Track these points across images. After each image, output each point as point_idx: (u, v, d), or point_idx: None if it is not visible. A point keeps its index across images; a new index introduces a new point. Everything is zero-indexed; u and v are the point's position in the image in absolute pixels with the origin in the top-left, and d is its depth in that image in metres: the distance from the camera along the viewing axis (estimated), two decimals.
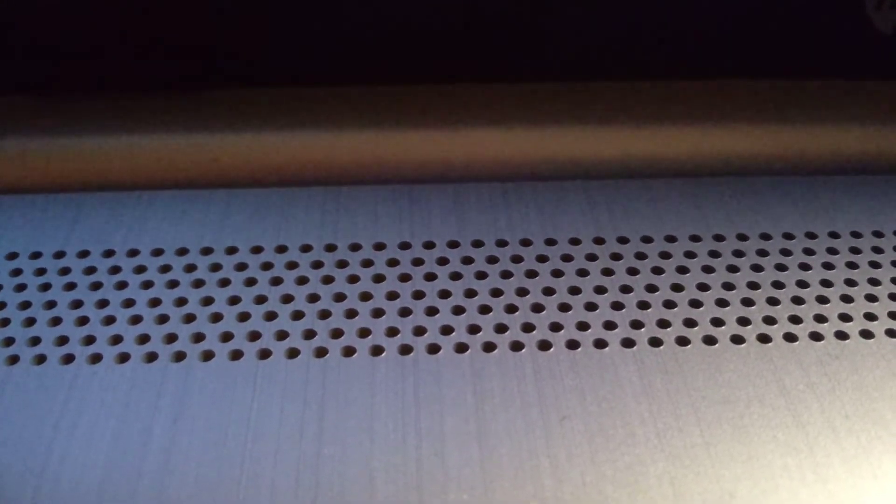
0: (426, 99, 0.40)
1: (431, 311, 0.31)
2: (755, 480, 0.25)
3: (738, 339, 0.30)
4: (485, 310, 0.31)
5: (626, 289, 0.32)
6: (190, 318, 0.31)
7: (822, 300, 0.32)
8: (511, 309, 0.31)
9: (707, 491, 0.25)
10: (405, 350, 0.30)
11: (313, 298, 0.32)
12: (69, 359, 0.29)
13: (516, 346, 0.30)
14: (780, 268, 0.33)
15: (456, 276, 0.32)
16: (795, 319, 0.31)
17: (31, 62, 0.39)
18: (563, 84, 0.41)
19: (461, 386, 0.28)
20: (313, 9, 0.37)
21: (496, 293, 0.32)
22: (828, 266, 0.33)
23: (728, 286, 0.32)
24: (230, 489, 0.25)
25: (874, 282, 0.33)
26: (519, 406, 0.27)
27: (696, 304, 0.31)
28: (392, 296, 0.32)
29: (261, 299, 0.31)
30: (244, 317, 0.31)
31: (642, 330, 0.30)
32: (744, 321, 0.31)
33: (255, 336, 0.30)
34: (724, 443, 0.26)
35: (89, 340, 0.30)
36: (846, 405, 0.28)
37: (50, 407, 0.28)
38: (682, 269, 0.33)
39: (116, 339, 0.30)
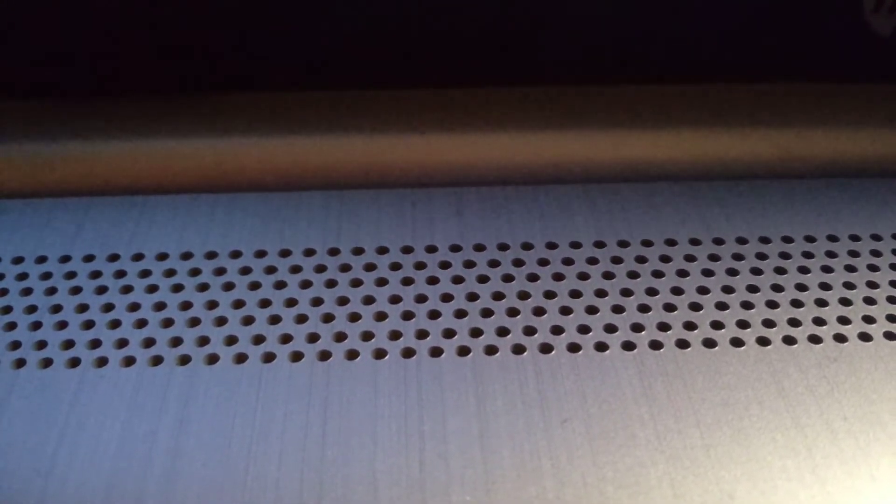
0: (429, 104, 0.40)
1: (434, 315, 0.31)
2: (754, 482, 0.26)
3: (737, 342, 0.30)
4: (487, 313, 0.31)
5: (626, 292, 0.32)
6: (195, 322, 0.31)
7: (821, 303, 0.32)
8: (513, 312, 0.31)
9: (707, 492, 0.25)
10: (408, 353, 0.30)
11: (317, 302, 0.32)
12: (75, 362, 0.29)
13: (518, 349, 0.30)
14: (780, 271, 0.33)
15: (458, 280, 0.33)
16: (794, 322, 0.31)
17: (36, 67, 0.39)
18: (564, 88, 0.41)
19: (463, 388, 0.28)
20: (317, 14, 0.38)
21: (498, 297, 0.32)
22: (826, 269, 0.34)
23: (727, 289, 0.32)
24: (235, 491, 0.25)
25: (872, 285, 0.33)
26: (521, 408, 0.28)
27: (695, 307, 0.32)
28: (395, 299, 0.32)
29: (265, 303, 0.32)
30: (248, 320, 0.31)
31: (643, 333, 0.31)
32: (743, 324, 0.31)
33: (259, 339, 0.30)
34: (723, 445, 0.27)
35: (95, 344, 0.30)
36: (845, 407, 0.28)
37: (56, 410, 0.28)
38: (682, 273, 0.33)
39: (122, 343, 0.30)
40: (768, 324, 0.31)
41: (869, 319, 0.31)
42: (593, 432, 0.27)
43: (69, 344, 0.30)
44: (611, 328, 0.31)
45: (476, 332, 0.31)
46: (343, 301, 0.32)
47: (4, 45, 0.38)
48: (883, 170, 0.40)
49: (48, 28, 0.38)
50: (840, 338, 0.31)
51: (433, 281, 0.33)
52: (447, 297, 0.32)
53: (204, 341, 0.30)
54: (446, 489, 0.25)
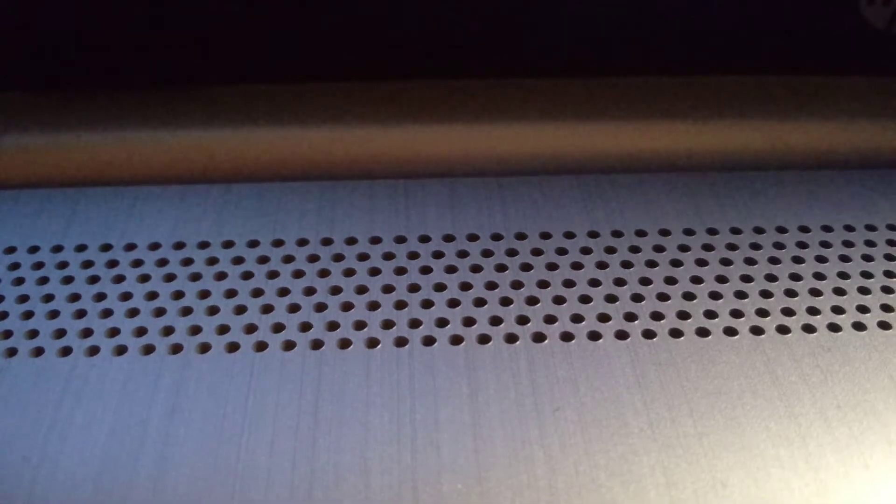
0: (422, 95, 0.40)
1: (427, 304, 0.31)
2: (747, 470, 0.26)
3: (731, 332, 0.30)
4: (480, 302, 0.31)
5: (619, 282, 0.32)
6: (187, 311, 0.31)
7: (815, 293, 0.32)
8: (506, 301, 0.31)
9: (699, 480, 0.25)
10: (400, 342, 0.30)
11: (309, 291, 0.32)
12: (67, 351, 0.29)
13: (511, 339, 0.30)
14: (774, 261, 0.33)
15: (451, 270, 0.33)
16: (788, 312, 0.31)
17: (29, 59, 0.39)
18: (558, 80, 0.41)
19: (456, 377, 0.28)
20: (310, 6, 0.37)
21: (491, 286, 0.32)
22: (821, 259, 0.34)
23: (721, 279, 0.32)
24: (227, 479, 0.25)
25: (866, 274, 0.33)
26: (513, 397, 0.28)
27: (689, 296, 0.32)
28: (388, 289, 0.32)
29: (257, 292, 0.32)
30: (241, 310, 0.31)
31: (636, 322, 0.31)
32: (737, 313, 0.31)
33: (251, 329, 0.30)
34: (716, 433, 0.27)
35: (87, 333, 0.30)
36: (838, 396, 0.28)
37: (47, 398, 0.28)
38: (676, 263, 0.33)
39: (114, 332, 0.30)
40: (762, 313, 0.31)
41: (863, 309, 0.31)
42: (586, 420, 0.27)
43: (61, 333, 0.30)
44: (604, 317, 0.31)
45: (469, 321, 0.30)
46: (336, 290, 0.32)
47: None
48: (877, 161, 0.40)
49: (41, 20, 0.38)
50: (834, 327, 0.31)
51: (426, 270, 0.33)
52: (440, 287, 0.32)
53: (196, 330, 0.30)
54: (438, 477, 0.25)
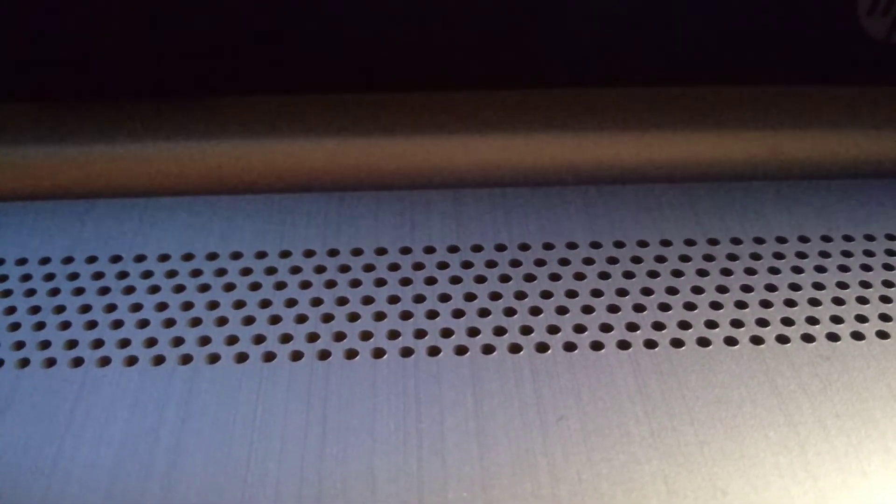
0: (427, 107, 0.41)
1: (432, 315, 0.32)
2: (747, 478, 0.26)
3: (731, 341, 0.31)
4: (484, 313, 0.32)
5: (622, 292, 0.33)
6: (196, 322, 0.31)
7: (815, 302, 0.32)
8: (509, 312, 0.32)
9: (700, 488, 0.26)
10: (406, 352, 0.30)
11: (316, 302, 0.32)
12: (78, 362, 0.30)
13: (515, 349, 0.30)
14: (773, 271, 0.34)
15: (456, 280, 0.33)
16: (788, 321, 0.32)
17: (38, 70, 0.39)
18: (560, 91, 0.41)
19: (461, 387, 0.29)
20: (315, 18, 0.38)
21: (495, 297, 0.32)
22: (820, 269, 0.34)
23: (722, 289, 0.33)
24: (236, 488, 0.26)
25: (865, 284, 0.33)
26: (517, 406, 0.28)
27: (690, 306, 0.32)
28: (393, 299, 0.32)
29: (265, 303, 0.32)
30: (249, 320, 0.31)
31: (637, 332, 0.31)
32: (737, 323, 0.31)
33: (259, 339, 0.31)
34: (717, 442, 0.27)
35: (98, 344, 0.31)
36: (837, 405, 0.28)
37: (59, 409, 0.28)
38: (677, 273, 0.34)
39: (124, 343, 0.31)
40: (762, 323, 0.31)
41: (862, 319, 0.32)
42: (588, 429, 0.27)
43: (72, 344, 0.31)
44: (606, 327, 0.31)
45: (473, 332, 0.31)
46: (342, 301, 0.32)
47: (7, 49, 0.39)
48: (877, 171, 0.40)
49: (52, 30, 0.38)
50: (833, 337, 0.31)
51: (431, 281, 0.33)
52: (445, 297, 0.32)
53: (205, 341, 0.31)
54: (443, 486, 0.26)
